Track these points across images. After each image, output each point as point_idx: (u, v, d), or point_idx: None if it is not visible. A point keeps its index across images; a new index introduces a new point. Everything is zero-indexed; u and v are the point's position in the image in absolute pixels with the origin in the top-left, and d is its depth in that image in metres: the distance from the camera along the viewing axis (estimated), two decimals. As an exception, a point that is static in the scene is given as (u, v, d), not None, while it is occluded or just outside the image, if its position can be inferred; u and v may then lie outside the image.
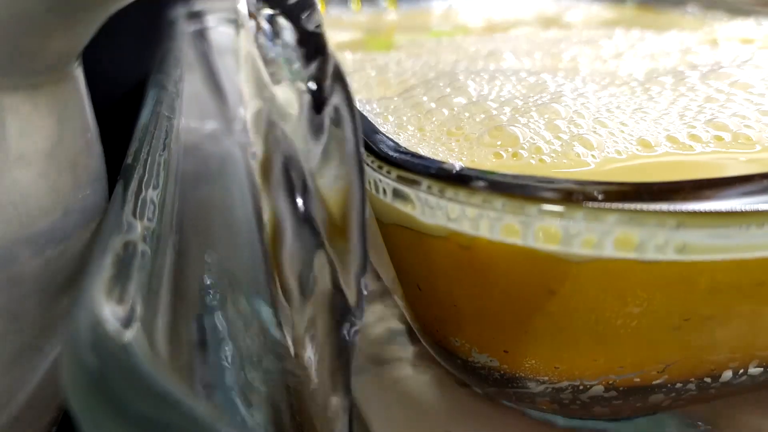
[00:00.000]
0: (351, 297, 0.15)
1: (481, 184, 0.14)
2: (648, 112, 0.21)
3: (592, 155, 0.19)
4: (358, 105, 0.21)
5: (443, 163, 0.15)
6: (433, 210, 0.15)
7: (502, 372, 0.18)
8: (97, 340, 0.09)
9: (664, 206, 0.14)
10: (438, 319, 0.18)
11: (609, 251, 0.14)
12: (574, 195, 0.14)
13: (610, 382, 0.17)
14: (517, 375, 0.18)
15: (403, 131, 0.20)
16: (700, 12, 0.42)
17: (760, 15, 0.38)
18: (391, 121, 0.21)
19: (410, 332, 0.23)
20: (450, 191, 0.15)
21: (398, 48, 0.35)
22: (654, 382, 0.17)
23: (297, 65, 0.14)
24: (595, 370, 0.17)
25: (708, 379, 0.18)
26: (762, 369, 0.18)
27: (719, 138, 0.19)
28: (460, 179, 0.15)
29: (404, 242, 0.17)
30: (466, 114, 0.21)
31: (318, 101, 0.14)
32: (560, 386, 0.17)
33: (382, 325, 0.24)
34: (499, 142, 0.19)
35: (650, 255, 0.14)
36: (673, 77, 0.24)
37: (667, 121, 0.20)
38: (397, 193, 0.16)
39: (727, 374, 0.18)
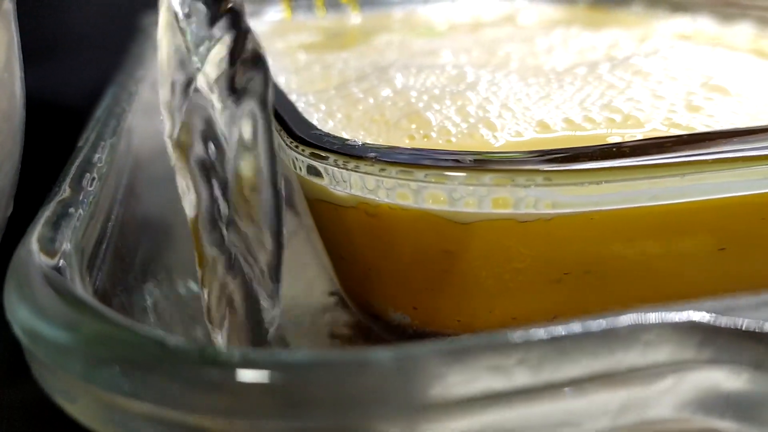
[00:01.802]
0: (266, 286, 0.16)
1: (373, 155, 0.16)
2: (553, 99, 0.23)
3: (495, 136, 0.21)
4: (282, 89, 0.24)
5: (347, 140, 0.17)
6: (341, 182, 0.17)
7: (414, 328, 0.20)
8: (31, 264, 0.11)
9: (531, 167, 0.16)
10: (359, 283, 0.21)
11: (488, 210, 0.17)
12: (453, 162, 0.16)
13: (507, 333, 0.19)
14: (427, 330, 0.20)
15: (332, 118, 0.23)
16: (644, 10, 0.45)
17: (698, 12, 0.41)
18: (322, 109, 0.23)
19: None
20: (352, 163, 0.17)
21: (352, 49, 0.37)
22: (546, 333, 0.20)
23: (210, 44, 0.16)
24: (492, 321, 0.19)
25: (596, 330, 0.20)
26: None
27: (611, 119, 0.22)
28: (360, 153, 0.17)
29: (324, 214, 0.20)
30: (389, 102, 0.23)
31: (232, 77, 0.16)
32: (464, 338, 0.20)
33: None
34: (413, 126, 0.21)
35: (523, 210, 0.17)
36: (587, 69, 0.26)
37: (568, 106, 0.23)
38: (310, 169, 0.18)
39: (613, 325, 0.20)
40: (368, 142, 0.18)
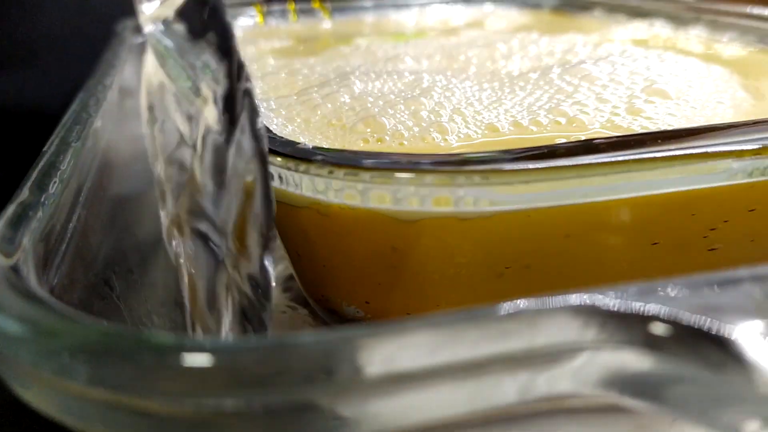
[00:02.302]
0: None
1: (321, 158, 0.17)
2: (504, 103, 0.24)
3: (445, 139, 0.22)
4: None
5: (298, 143, 0.18)
6: (292, 184, 0.18)
7: (367, 321, 0.21)
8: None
9: (469, 167, 0.17)
10: (315, 279, 0.22)
11: (430, 208, 0.18)
12: (395, 164, 0.17)
13: (455, 326, 0.20)
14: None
15: (291, 123, 0.24)
16: (604, 15, 0.46)
17: (654, 17, 0.42)
18: (283, 114, 0.24)
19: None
20: (302, 166, 0.18)
21: (320, 54, 0.38)
22: (492, 326, 0.21)
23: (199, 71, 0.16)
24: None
25: (540, 323, 0.21)
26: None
27: (557, 122, 0.23)
28: (308, 156, 0.18)
29: (280, 214, 0.21)
30: (347, 108, 0.24)
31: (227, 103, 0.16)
32: (415, 331, 0.21)
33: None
34: (369, 130, 0.23)
35: (462, 208, 0.18)
36: (540, 73, 0.28)
37: (517, 110, 0.24)
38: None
39: (556, 318, 0.21)
40: (320, 146, 0.19)
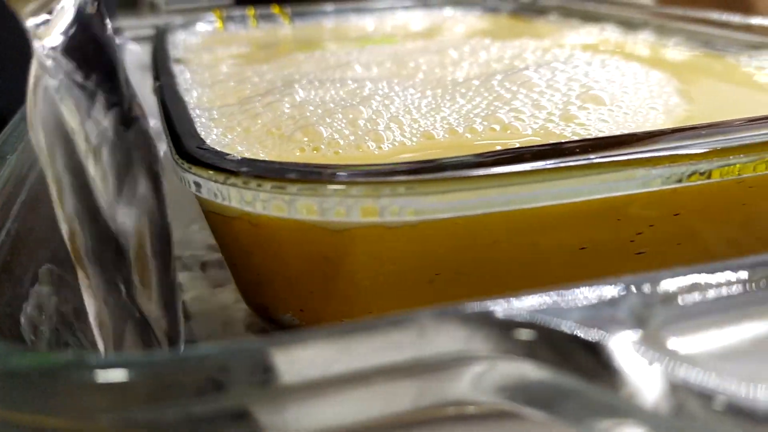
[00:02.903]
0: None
1: (246, 170, 0.18)
2: (442, 111, 0.25)
3: (380, 147, 0.22)
4: (197, 113, 0.25)
5: (226, 155, 0.19)
6: (221, 196, 0.19)
7: (303, 328, 0.21)
8: None
9: (392, 178, 0.17)
10: (251, 287, 0.22)
11: (356, 219, 0.18)
12: (320, 175, 0.17)
13: (390, 332, 0.21)
14: (316, 331, 0.21)
15: (231, 132, 0.24)
16: (559, 19, 0.47)
17: (605, 21, 0.43)
18: (223, 124, 0.25)
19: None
20: (230, 179, 0.18)
21: (274, 61, 0.38)
22: (426, 331, 0.21)
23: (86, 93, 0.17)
24: (374, 322, 0.21)
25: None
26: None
27: (492, 129, 0.23)
28: (235, 168, 0.18)
29: (215, 224, 0.21)
30: (286, 116, 0.24)
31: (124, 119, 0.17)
32: (350, 338, 0.21)
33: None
34: (306, 139, 0.23)
35: (388, 219, 0.18)
36: (482, 80, 0.28)
37: (454, 118, 0.24)
38: (197, 185, 0.19)
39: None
40: (251, 157, 0.19)
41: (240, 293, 0.23)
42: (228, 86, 0.31)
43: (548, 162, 0.18)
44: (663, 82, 0.28)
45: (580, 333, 0.10)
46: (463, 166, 0.18)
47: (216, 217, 0.20)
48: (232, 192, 0.18)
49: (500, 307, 0.11)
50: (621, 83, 0.27)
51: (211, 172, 0.18)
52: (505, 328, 0.11)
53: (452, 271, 0.20)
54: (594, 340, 0.10)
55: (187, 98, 0.27)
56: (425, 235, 0.19)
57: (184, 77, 0.33)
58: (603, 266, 0.21)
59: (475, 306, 0.11)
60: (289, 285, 0.20)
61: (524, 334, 0.11)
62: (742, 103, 0.27)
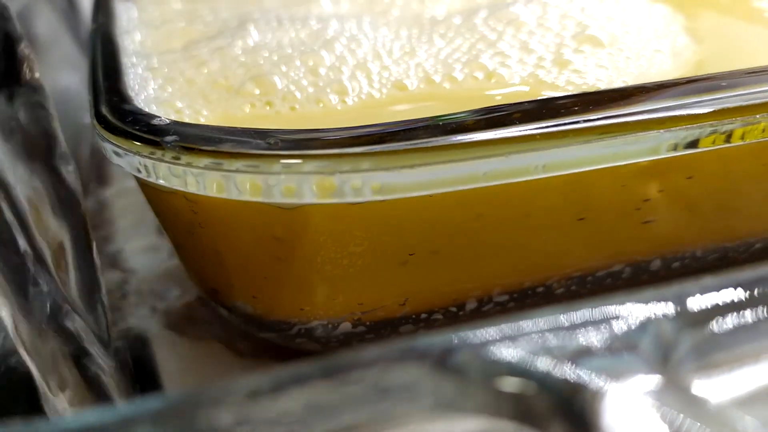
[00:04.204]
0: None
1: (172, 140, 0.14)
2: (417, 55, 0.21)
3: (344, 101, 0.19)
4: (133, 61, 0.21)
5: (151, 118, 0.15)
6: (147, 170, 0.15)
7: (257, 316, 0.18)
8: None
9: (351, 150, 0.14)
10: (198, 271, 0.19)
11: (310, 198, 0.15)
12: (262, 148, 0.14)
13: (356, 318, 0.18)
14: (271, 319, 0.18)
15: (172, 84, 0.21)
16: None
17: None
18: (164, 74, 0.21)
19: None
20: (156, 152, 0.15)
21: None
22: (398, 315, 0.18)
23: None
24: (337, 308, 0.18)
25: (453, 308, 0.19)
26: (508, 296, 0.19)
27: (474, 78, 0.20)
28: (158, 136, 0.15)
29: (151, 198, 0.18)
30: (236, 64, 0.21)
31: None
32: (311, 326, 0.18)
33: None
34: (257, 91, 0.20)
35: (350, 199, 0.15)
36: (463, 17, 0.25)
37: (431, 63, 0.21)
38: (117, 155, 0.16)
39: (472, 303, 0.19)
40: (180, 120, 0.16)
41: (189, 277, 0.20)
42: (176, 27, 0.27)
43: (541, 125, 0.15)
44: (668, 18, 0.24)
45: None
46: (437, 131, 0.15)
47: (149, 190, 0.17)
48: (159, 168, 0.15)
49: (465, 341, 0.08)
50: (621, 21, 0.23)
51: (132, 141, 0.15)
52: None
53: (429, 251, 0.17)
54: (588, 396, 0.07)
55: (126, 42, 0.24)
56: (396, 210, 0.16)
57: (129, 16, 0.29)
58: (604, 239, 0.18)
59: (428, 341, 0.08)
60: (238, 269, 0.17)
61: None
62: (756, 43, 0.24)
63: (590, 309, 0.09)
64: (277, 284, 0.17)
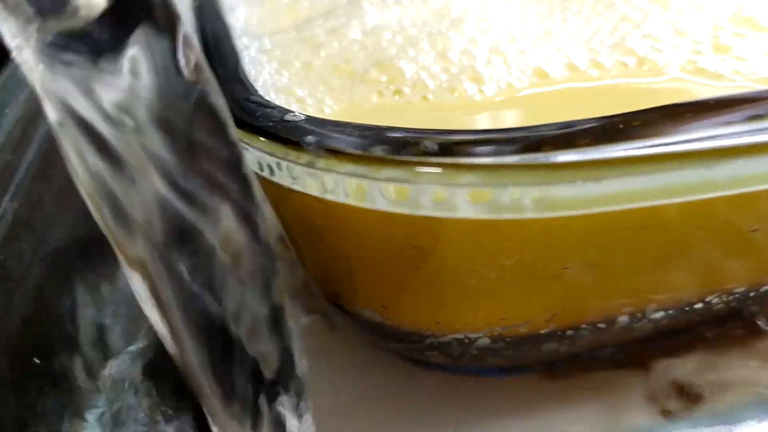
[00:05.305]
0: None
1: (314, 141, 0.13)
2: (554, 37, 0.19)
3: (481, 90, 0.17)
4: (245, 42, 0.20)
5: (284, 114, 0.14)
6: (278, 170, 0.14)
7: (387, 327, 0.17)
8: None
9: (514, 160, 0.12)
10: (321, 275, 0.18)
11: (465, 212, 0.13)
12: (418, 154, 0.13)
13: (496, 333, 0.16)
14: (401, 330, 0.17)
15: (287, 69, 0.19)
16: None
17: None
18: (278, 57, 0.20)
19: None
20: (291, 153, 0.13)
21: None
22: (542, 331, 0.16)
23: None
24: (477, 323, 0.16)
25: (602, 325, 0.17)
26: (664, 313, 0.17)
27: (623, 64, 0.18)
28: (296, 137, 0.13)
29: (272, 194, 0.16)
30: (357, 47, 0.19)
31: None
32: (445, 340, 0.17)
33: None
34: (384, 78, 0.18)
35: (508, 215, 0.13)
36: (595, -7, 0.22)
37: (572, 47, 0.19)
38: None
39: (623, 319, 0.17)
40: (316, 115, 0.14)
41: (307, 277, 0.19)
42: (279, 4, 0.26)
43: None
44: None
45: None
46: (617, 135, 0.13)
47: (271, 186, 0.16)
48: (293, 169, 0.14)
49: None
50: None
51: (261, 138, 0.14)
52: None
53: (584, 264, 0.15)
54: None
55: (231, 20, 0.22)
56: (554, 220, 0.14)
57: (228, -11, 0.27)
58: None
59: None
60: (369, 277, 0.16)
61: None
62: None
63: None
64: (412, 295, 0.16)
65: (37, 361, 0.13)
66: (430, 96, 0.17)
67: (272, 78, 0.18)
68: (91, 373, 0.15)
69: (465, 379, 0.19)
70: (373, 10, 0.22)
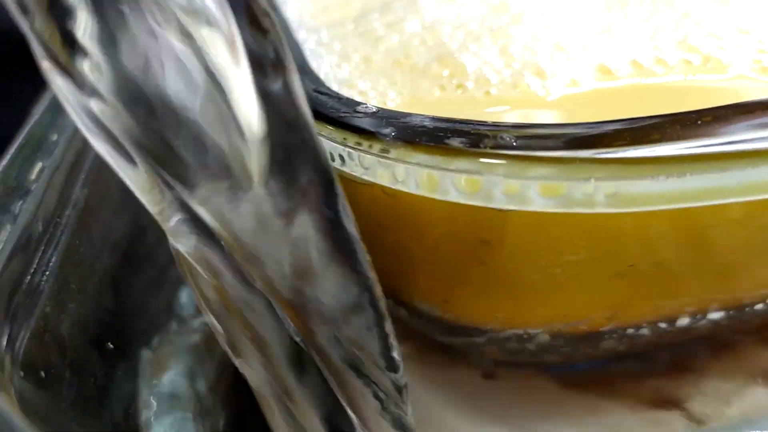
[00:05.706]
0: None
1: (390, 132, 0.13)
2: (616, 34, 0.19)
3: (544, 86, 0.17)
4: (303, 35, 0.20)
5: (356, 105, 0.14)
6: (348, 160, 0.14)
7: (445, 321, 0.17)
8: None
9: (590, 154, 0.12)
10: (382, 267, 0.18)
11: (535, 205, 0.13)
12: (493, 146, 0.13)
13: (556, 330, 0.16)
14: (460, 324, 0.17)
15: (347, 62, 0.19)
16: None
17: None
18: (336, 50, 0.20)
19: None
20: (364, 143, 0.13)
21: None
22: (602, 329, 0.16)
23: None
24: (537, 318, 0.16)
25: (663, 325, 0.17)
26: (724, 313, 0.17)
27: (688, 62, 0.18)
28: (375, 128, 0.13)
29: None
30: (417, 40, 0.19)
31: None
32: (504, 335, 0.17)
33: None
34: (446, 73, 0.18)
35: (578, 209, 0.13)
36: (653, -11, 0.22)
37: (635, 43, 0.19)
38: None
39: (684, 319, 0.17)
40: (385, 107, 0.14)
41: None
42: (332, -5, 0.26)
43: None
44: None
45: None
46: (694, 133, 0.13)
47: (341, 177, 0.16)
48: (366, 160, 0.14)
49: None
50: None
51: (334, 128, 0.14)
52: None
53: (650, 262, 0.15)
54: None
55: (285, 12, 0.22)
56: (624, 216, 0.14)
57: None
58: None
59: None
60: (431, 270, 0.16)
61: None
62: None
63: None
64: (474, 289, 0.16)
65: (111, 345, 0.13)
66: (493, 91, 0.17)
67: (333, 71, 0.18)
68: (156, 359, 0.15)
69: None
70: (429, 5, 0.22)
